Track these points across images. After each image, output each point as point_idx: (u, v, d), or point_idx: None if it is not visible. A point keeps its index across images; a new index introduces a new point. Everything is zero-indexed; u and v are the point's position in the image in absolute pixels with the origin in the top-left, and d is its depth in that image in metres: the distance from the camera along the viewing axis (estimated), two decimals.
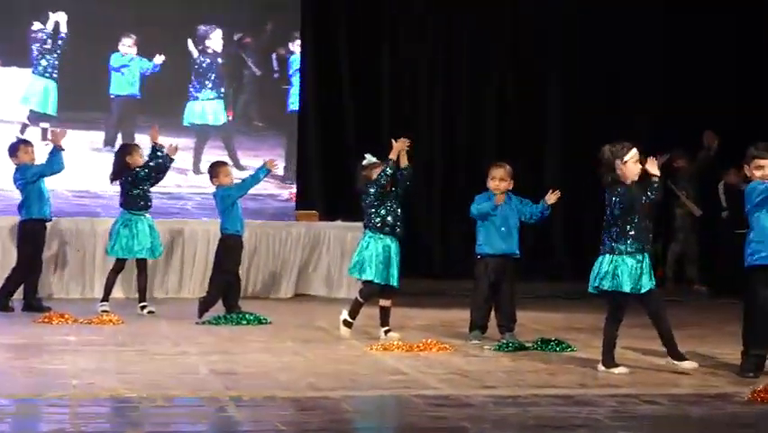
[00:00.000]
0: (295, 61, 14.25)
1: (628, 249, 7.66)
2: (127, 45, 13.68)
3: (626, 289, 7.62)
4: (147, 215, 10.84)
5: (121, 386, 6.78)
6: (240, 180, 10.87)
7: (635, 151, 7.74)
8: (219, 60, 13.99)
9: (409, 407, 6.45)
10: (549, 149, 15.91)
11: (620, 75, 15.56)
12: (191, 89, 13.96)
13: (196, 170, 13.75)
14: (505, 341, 8.88)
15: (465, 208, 9.65)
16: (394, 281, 9.22)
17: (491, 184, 9.31)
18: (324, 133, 15.09)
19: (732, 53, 15.24)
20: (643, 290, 7.63)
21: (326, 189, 14.77)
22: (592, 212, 15.13)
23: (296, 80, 14.27)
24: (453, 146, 15.57)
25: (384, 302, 9.35)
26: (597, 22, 15.46)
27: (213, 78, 14.00)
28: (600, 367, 7.76)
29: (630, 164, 7.72)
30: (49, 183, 10.83)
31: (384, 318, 9.34)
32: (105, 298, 10.69)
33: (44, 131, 13.20)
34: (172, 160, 10.97)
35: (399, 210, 9.31)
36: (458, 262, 13.22)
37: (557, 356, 8.48)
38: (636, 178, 7.74)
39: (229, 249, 10.46)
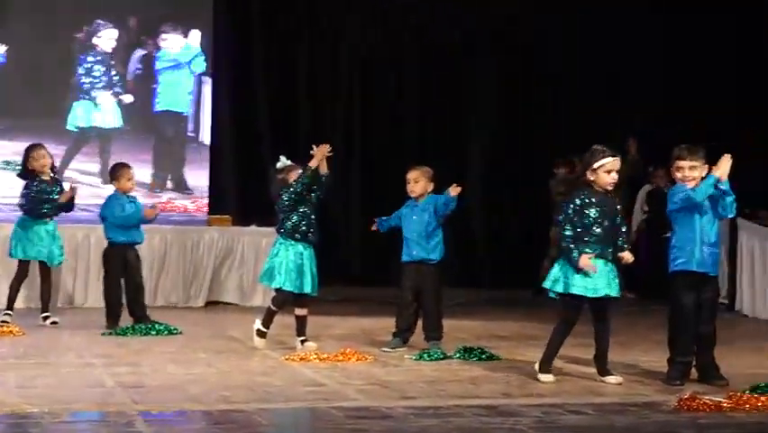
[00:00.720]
0: (162, 57, 13.94)
1: (585, 251, 7.67)
2: None
3: (576, 291, 7.64)
4: (49, 220, 10.68)
5: (22, 401, 6.66)
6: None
7: (610, 160, 7.69)
8: (101, 58, 13.66)
9: (327, 419, 6.43)
10: (472, 152, 16.01)
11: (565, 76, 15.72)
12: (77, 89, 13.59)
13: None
14: (427, 350, 8.89)
15: (385, 212, 9.65)
16: (307, 289, 9.19)
17: (408, 188, 9.33)
18: (237, 135, 15.02)
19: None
20: (596, 294, 7.64)
21: (240, 193, 14.70)
22: (515, 218, 15.37)
23: (165, 79, 13.86)
24: (373, 149, 15.58)
25: (299, 311, 9.32)
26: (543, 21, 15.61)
27: (99, 76, 13.68)
28: (537, 367, 7.81)
29: (600, 172, 7.70)
30: None
31: (300, 328, 9.30)
32: (9, 307, 10.52)
33: None
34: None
35: (313, 216, 9.28)
36: (378, 269, 13.23)
37: (480, 365, 8.51)
38: (608, 188, 7.73)
39: (107, 259, 10.45)
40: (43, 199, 10.56)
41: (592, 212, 7.70)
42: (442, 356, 8.76)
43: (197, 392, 7.15)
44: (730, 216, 8.03)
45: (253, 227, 12.94)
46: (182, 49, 14.10)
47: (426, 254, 9.24)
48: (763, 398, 6.92)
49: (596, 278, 7.64)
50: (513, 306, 13.04)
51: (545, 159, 14.76)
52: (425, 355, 8.76)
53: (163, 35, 13.90)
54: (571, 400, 7.10)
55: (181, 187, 14.28)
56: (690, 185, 7.72)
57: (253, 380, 7.68)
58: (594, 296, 7.66)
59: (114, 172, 10.56)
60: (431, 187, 9.33)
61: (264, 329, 9.27)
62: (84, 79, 13.69)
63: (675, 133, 14.06)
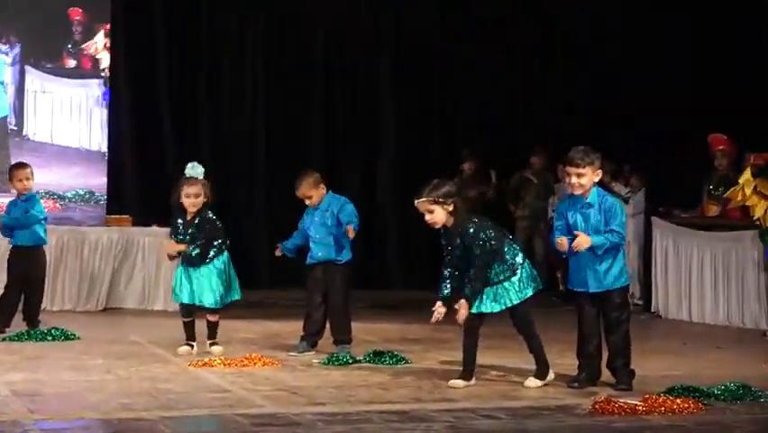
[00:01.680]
0: None
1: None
2: None
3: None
4: None
5: None
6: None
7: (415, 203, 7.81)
8: None
9: (232, 427, 6.40)
10: (382, 150, 16.07)
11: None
12: None
13: None
14: (335, 354, 8.88)
15: (291, 215, 9.61)
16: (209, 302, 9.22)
17: (306, 203, 9.31)
18: (137, 131, 14.89)
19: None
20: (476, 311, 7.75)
21: (140, 192, 14.56)
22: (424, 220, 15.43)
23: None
24: (277, 151, 15.53)
25: (211, 317, 9.30)
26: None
27: None
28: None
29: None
30: None
31: (211, 333, 9.32)
32: None
33: None
34: None
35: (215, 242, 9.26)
36: (285, 271, 13.19)
37: (391, 370, 8.53)
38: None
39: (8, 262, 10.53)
40: None
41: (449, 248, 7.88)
42: (351, 361, 8.76)
43: (96, 400, 7.08)
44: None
45: (154, 228, 12.81)
46: None
47: (331, 255, 9.23)
48: (678, 400, 7.02)
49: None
50: (424, 308, 13.03)
51: (458, 156, 14.87)
52: (334, 360, 8.75)
53: None
54: (484, 404, 7.14)
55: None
56: (577, 192, 7.76)
57: (155, 387, 7.61)
58: (475, 312, 7.76)
59: (9, 174, 10.51)
60: (323, 189, 9.31)
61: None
62: None
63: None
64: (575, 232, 7.67)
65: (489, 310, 7.73)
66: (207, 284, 9.19)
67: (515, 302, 7.71)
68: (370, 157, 16.00)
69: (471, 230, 7.69)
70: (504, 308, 7.74)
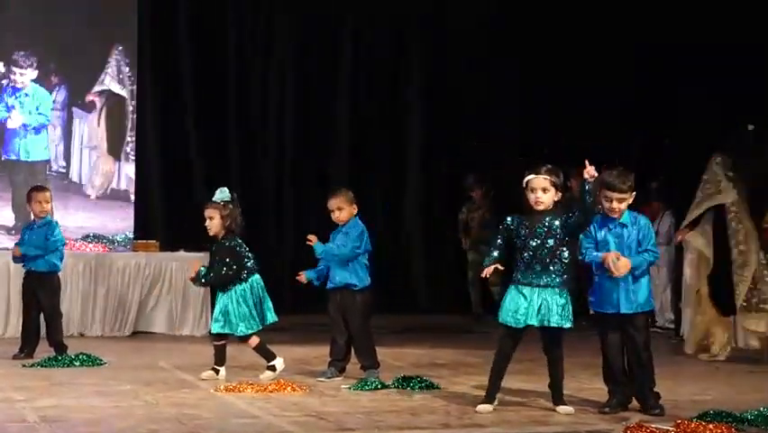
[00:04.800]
0: (13, 94, 13.18)
1: (520, 279, 7.70)
2: None
3: (501, 319, 7.66)
4: None
5: None
6: None
7: (531, 177, 7.62)
8: None
9: None
10: (410, 174, 16.05)
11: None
12: None
13: None
14: (364, 380, 8.83)
15: (318, 233, 9.60)
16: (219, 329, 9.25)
17: (333, 217, 9.26)
18: (164, 157, 14.91)
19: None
20: (518, 324, 7.62)
21: (168, 217, 14.58)
22: (452, 242, 15.36)
23: (18, 119, 13.11)
24: (303, 171, 15.54)
25: (249, 342, 9.32)
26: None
27: None
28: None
29: (527, 190, 7.68)
30: None
31: (262, 356, 9.31)
32: None
33: None
34: None
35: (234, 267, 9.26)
36: (309, 295, 13.18)
37: (419, 395, 8.47)
38: (536, 207, 7.64)
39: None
40: None
41: (522, 233, 7.70)
42: (379, 386, 8.70)
43: (124, 426, 7.05)
44: None
45: (182, 253, 12.82)
46: (32, 84, 13.26)
47: (349, 280, 9.17)
48: (710, 425, 6.94)
49: (523, 307, 7.62)
50: (451, 332, 13.03)
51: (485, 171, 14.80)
52: (362, 385, 8.70)
53: (16, 69, 13.17)
54: (513, 429, 7.08)
55: None
56: (614, 215, 7.75)
57: (183, 412, 7.58)
58: (516, 326, 7.64)
59: (27, 195, 10.62)
60: (355, 210, 9.26)
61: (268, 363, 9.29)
62: None
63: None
64: (611, 252, 7.63)
65: (533, 323, 7.61)
66: (232, 311, 9.18)
67: (552, 324, 7.63)
68: (396, 178, 15.96)
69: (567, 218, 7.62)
70: (541, 324, 7.63)
